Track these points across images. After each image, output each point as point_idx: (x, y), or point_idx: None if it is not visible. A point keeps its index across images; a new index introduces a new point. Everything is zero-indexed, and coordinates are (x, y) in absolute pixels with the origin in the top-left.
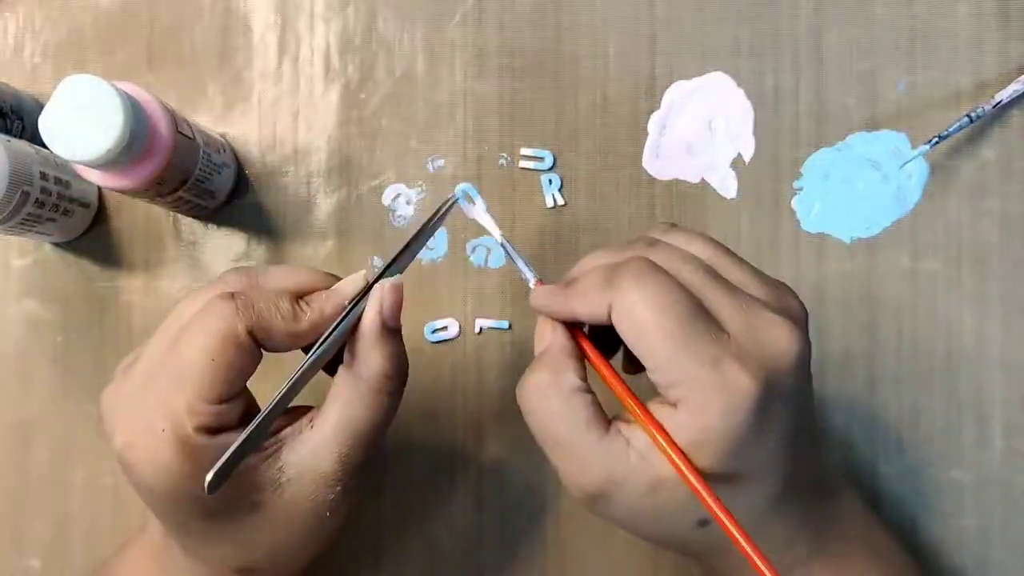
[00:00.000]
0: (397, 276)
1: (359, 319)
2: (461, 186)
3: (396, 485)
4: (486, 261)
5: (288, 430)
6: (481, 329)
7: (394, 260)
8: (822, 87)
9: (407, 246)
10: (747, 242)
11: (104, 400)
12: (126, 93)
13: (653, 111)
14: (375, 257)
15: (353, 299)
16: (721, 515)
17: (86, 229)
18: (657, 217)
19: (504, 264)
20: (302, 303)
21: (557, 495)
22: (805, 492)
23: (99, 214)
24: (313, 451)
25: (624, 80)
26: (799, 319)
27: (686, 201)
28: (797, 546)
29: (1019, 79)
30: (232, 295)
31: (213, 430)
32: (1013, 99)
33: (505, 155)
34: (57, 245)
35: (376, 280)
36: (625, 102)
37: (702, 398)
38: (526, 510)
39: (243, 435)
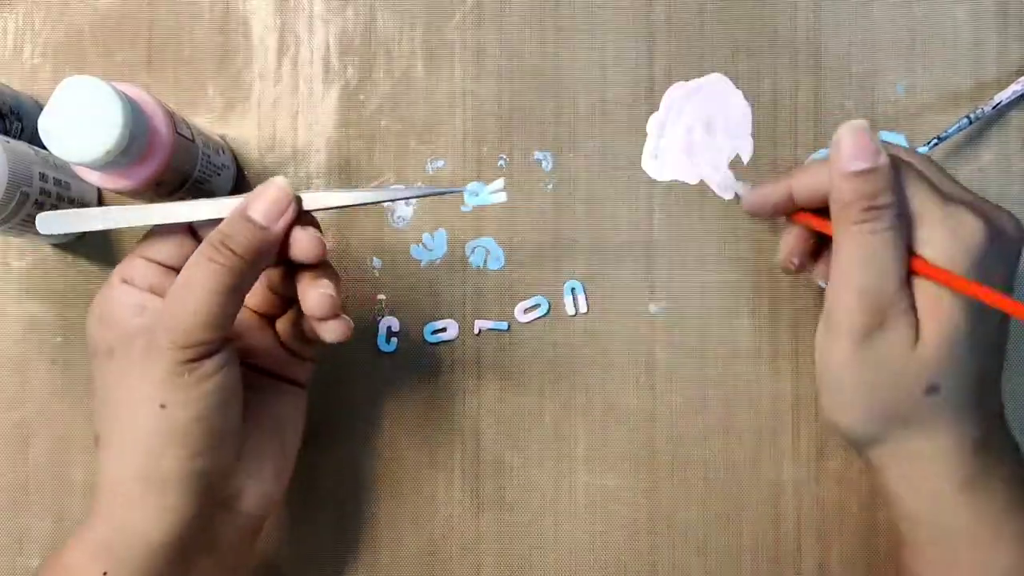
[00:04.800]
0: (287, 182)
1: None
2: (470, 186)
3: (395, 485)
4: (485, 262)
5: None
6: (480, 331)
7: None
8: (821, 89)
9: (357, 191)
10: (746, 244)
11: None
12: (126, 94)
13: (652, 112)
14: (374, 258)
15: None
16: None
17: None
18: (656, 218)
19: (503, 265)
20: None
21: (557, 495)
22: (996, 415)
23: None
24: (153, 312)
25: (623, 81)
26: None
27: (685, 202)
28: (976, 461)
29: (1018, 81)
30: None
31: (125, 279)
32: (1012, 101)
33: (504, 156)
34: (57, 246)
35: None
36: (624, 103)
37: (940, 234)
38: (526, 510)
39: (90, 210)
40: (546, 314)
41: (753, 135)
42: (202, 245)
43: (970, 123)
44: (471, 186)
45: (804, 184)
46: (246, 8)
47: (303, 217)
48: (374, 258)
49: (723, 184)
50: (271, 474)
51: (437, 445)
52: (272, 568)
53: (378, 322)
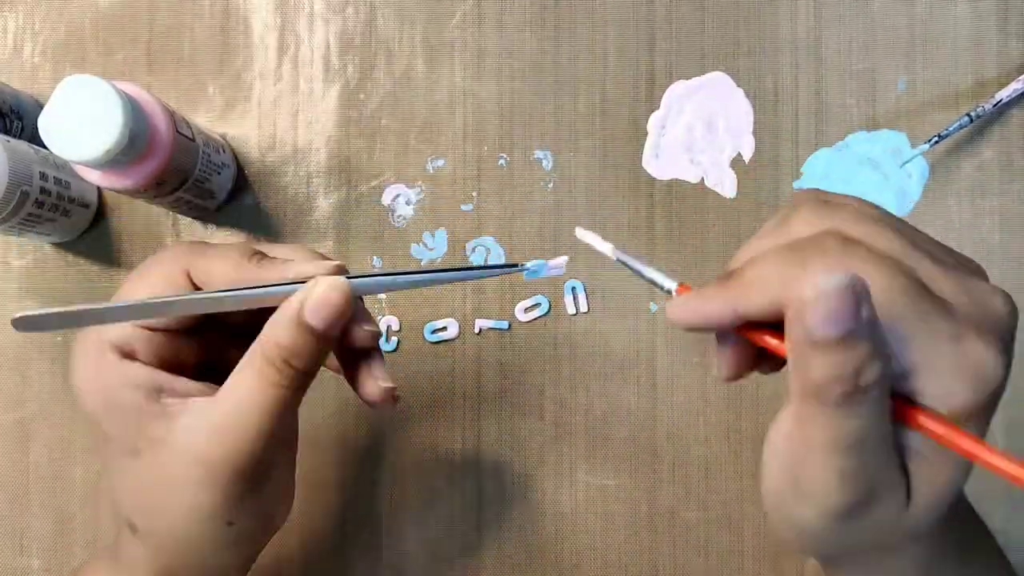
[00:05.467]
0: (347, 282)
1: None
2: (530, 264)
3: (395, 485)
4: (486, 262)
5: (196, 399)
6: (481, 330)
7: (380, 274)
8: (822, 87)
9: (411, 273)
10: (747, 241)
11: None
12: (126, 93)
13: (653, 111)
14: (374, 257)
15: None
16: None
17: (86, 229)
18: (657, 217)
19: None
20: (255, 259)
21: (557, 495)
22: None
23: (99, 214)
24: (195, 421)
25: (623, 80)
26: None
27: (686, 201)
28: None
29: (1019, 78)
30: (194, 244)
31: (126, 352)
32: (1013, 98)
33: (504, 155)
34: (57, 245)
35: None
36: (624, 102)
37: (949, 381)
38: (526, 510)
39: (78, 307)
40: (547, 313)
41: (754, 133)
42: (256, 357)
43: (971, 121)
44: (531, 264)
45: (754, 302)
46: (246, 7)
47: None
48: (374, 258)
49: (723, 184)
50: (288, 497)
51: (437, 445)
52: (273, 568)
53: (379, 321)
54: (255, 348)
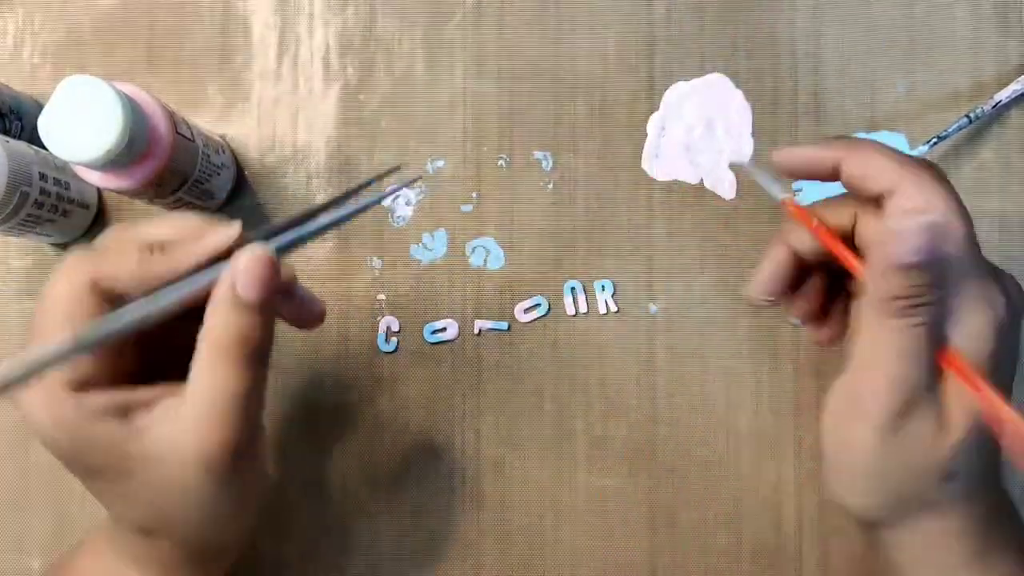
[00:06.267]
0: (267, 247)
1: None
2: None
3: (395, 485)
4: (485, 262)
5: (162, 404)
6: (480, 330)
7: (285, 229)
8: (820, 88)
9: (308, 217)
10: (746, 244)
11: None
12: (125, 94)
13: (652, 112)
14: (374, 258)
15: (217, 257)
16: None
17: (86, 230)
18: (656, 218)
19: (503, 265)
20: (157, 251)
21: (557, 495)
22: (1002, 489)
23: (99, 215)
24: (172, 427)
25: (623, 81)
26: None
27: (685, 202)
28: (986, 536)
29: (1018, 79)
30: (87, 250)
31: (77, 385)
32: (1012, 99)
33: (504, 156)
34: (57, 245)
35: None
36: (624, 103)
37: (973, 307)
38: (526, 510)
39: (40, 354)
40: (546, 314)
41: (753, 135)
42: (207, 348)
43: (970, 122)
44: (390, 188)
45: (856, 169)
46: (246, 8)
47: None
48: (374, 258)
49: (722, 185)
50: (266, 451)
51: (437, 445)
52: (273, 568)
53: (378, 322)
54: (204, 338)
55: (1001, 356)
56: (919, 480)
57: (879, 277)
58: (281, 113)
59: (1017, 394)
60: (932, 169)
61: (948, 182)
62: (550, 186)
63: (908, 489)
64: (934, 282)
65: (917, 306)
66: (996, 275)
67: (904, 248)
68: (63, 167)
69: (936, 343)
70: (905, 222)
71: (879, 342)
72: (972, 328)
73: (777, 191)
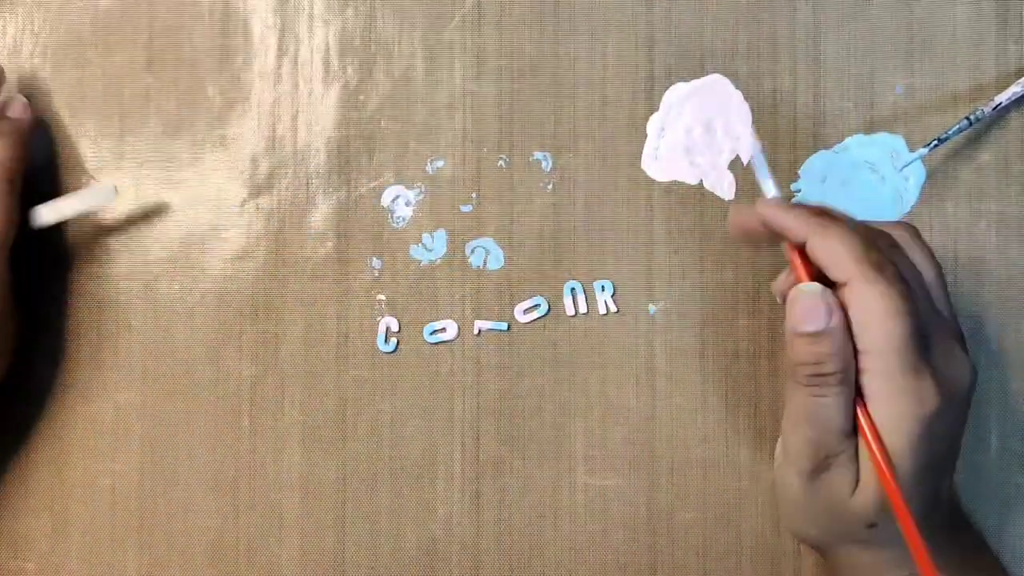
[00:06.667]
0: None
1: None
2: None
3: (394, 485)
4: (485, 262)
5: None
6: (480, 331)
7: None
8: (820, 90)
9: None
10: (745, 244)
11: None
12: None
13: (652, 113)
14: (374, 258)
15: None
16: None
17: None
18: (655, 219)
19: (503, 265)
20: None
21: (557, 495)
22: (946, 517)
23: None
24: None
25: (623, 82)
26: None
27: (685, 203)
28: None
29: (1018, 82)
30: None
31: None
32: (1012, 102)
33: (504, 156)
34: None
35: None
36: (624, 104)
37: (898, 400)
38: (526, 510)
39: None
40: (546, 314)
41: (753, 135)
42: None
43: (970, 124)
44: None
45: (823, 252)
46: (246, 8)
47: None
48: (374, 258)
49: (722, 186)
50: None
51: (437, 445)
52: (272, 568)
53: (378, 322)
54: None
55: (927, 445)
56: (844, 523)
57: (788, 342)
58: (281, 113)
59: (997, 426)
60: (892, 265)
61: (913, 266)
62: (550, 186)
63: (836, 528)
64: (836, 351)
65: (819, 376)
66: (948, 358)
67: (799, 314)
68: None
69: (849, 410)
70: (795, 292)
71: (794, 405)
72: (890, 422)
73: (769, 187)
